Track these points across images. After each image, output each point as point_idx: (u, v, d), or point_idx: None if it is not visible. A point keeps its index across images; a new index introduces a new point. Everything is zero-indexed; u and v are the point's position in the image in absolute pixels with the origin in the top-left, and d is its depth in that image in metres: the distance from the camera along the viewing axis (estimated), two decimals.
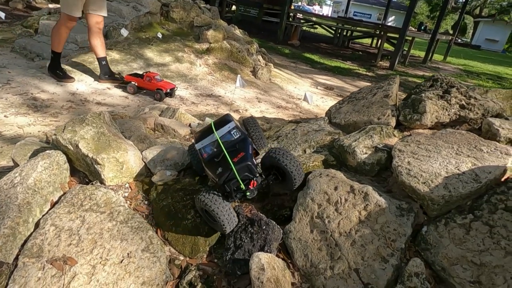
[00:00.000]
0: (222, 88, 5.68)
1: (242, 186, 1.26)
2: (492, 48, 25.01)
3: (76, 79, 4.55)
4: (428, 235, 1.09)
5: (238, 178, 1.25)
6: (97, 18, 4.06)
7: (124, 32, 6.00)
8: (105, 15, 4.15)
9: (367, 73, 9.50)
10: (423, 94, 1.57)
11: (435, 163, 1.19)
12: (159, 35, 6.21)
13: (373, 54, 13.07)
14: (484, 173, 1.11)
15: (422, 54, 14.23)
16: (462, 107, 1.55)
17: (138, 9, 6.47)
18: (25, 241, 1.40)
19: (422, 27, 13.10)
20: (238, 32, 7.45)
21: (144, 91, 4.50)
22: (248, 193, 1.28)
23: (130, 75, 4.40)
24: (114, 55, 5.53)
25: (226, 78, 6.04)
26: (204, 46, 6.40)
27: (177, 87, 4.62)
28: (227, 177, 1.27)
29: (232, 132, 1.40)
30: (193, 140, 1.62)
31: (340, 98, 6.85)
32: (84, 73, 4.70)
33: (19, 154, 1.86)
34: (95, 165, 1.60)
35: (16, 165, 1.85)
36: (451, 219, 1.08)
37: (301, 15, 13.76)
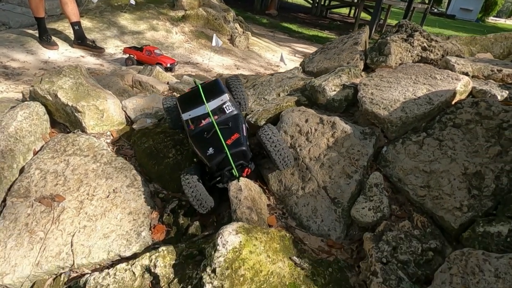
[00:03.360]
0: (200, 55, 5.63)
1: (236, 173, 1.17)
2: (467, 18, 25.45)
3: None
4: (387, 153, 1.22)
5: (233, 166, 1.16)
6: None
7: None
8: None
9: None
10: (388, 38, 1.67)
11: (395, 92, 1.30)
12: (133, 2, 6.00)
13: (351, 23, 13.08)
14: (436, 96, 1.23)
15: None
16: (424, 49, 1.66)
17: None
18: (11, 186, 1.46)
19: None
20: None
21: (143, 65, 4.39)
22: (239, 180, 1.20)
23: (129, 47, 4.28)
24: (86, 23, 5.34)
25: (203, 46, 5.96)
26: (180, 13, 6.25)
27: (177, 62, 4.48)
28: (221, 162, 1.17)
29: (225, 106, 1.27)
30: (173, 95, 1.61)
31: None
32: (56, 41, 4.55)
33: None
34: (75, 113, 1.64)
35: None
36: (407, 138, 1.21)
37: None
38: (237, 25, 7.08)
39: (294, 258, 1.02)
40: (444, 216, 1.01)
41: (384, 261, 0.96)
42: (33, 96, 1.76)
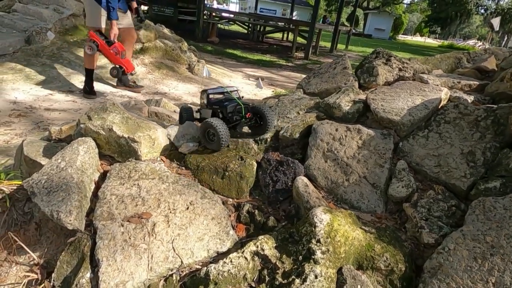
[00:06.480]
0: (165, 85, 5.84)
1: (243, 112, 1.88)
2: (381, 36, 29.15)
3: (9, 87, 4.36)
4: (404, 146, 1.67)
5: (242, 107, 1.88)
6: (129, 30, 4.40)
7: (50, 36, 5.74)
8: (132, 26, 4.52)
9: (288, 64, 10.39)
10: (374, 62, 2.19)
11: (399, 102, 1.79)
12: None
13: (287, 46, 14.20)
14: (430, 103, 1.73)
15: (327, 44, 15.92)
16: (400, 69, 2.20)
17: (60, 12, 6.19)
18: (88, 213, 1.62)
19: (327, 21, 14.68)
20: (166, 31, 7.57)
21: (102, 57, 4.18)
22: (244, 120, 1.90)
23: (96, 33, 3.92)
24: (44, 60, 5.29)
25: (166, 76, 6.20)
26: (137, 46, 6.41)
27: (135, 72, 4.66)
28: (234, 107, 1.89)
29: (233, 93, 2.03)
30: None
31: (272, 87, 7.41)
32: (16, 81, 4.49)
33: (31, 151, 1.99)
34: (132, 143, 1.85)
35: (29, 161, 1.95)
36: (416, 134, 1.68)
37: (216, 12, 14.20)
38: (192, 54, 7.43)
39: (363, 227, 1.40)
40: (456, 183, 1.48)
41: (425, 218, 1.39)
42: (82, 133, 1.92)
